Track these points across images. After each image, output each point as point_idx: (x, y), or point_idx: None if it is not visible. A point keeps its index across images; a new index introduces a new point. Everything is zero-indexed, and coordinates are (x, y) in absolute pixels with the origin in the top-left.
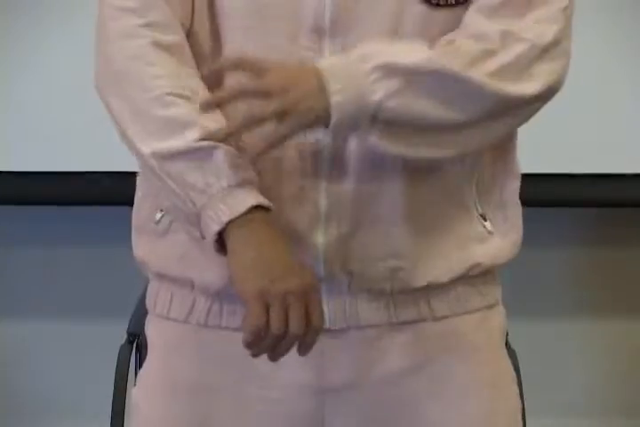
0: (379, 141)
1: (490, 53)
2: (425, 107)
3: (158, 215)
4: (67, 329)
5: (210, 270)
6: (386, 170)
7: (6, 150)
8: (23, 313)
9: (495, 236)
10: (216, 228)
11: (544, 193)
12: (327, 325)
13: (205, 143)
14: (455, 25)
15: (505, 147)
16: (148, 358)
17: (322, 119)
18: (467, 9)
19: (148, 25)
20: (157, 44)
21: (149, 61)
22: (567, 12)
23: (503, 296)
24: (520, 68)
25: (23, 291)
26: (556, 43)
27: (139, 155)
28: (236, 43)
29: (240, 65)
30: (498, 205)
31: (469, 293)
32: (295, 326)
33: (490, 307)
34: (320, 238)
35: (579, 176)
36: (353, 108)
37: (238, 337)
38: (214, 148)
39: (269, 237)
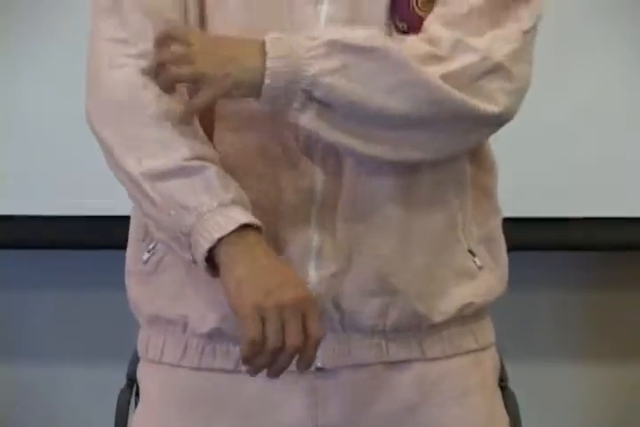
0: (313, 123)
1: (438, 58)
2: (363, 90)
3: (146, 256)
4: (67, 372)
5: (201, 309)
6: (379, 206)
7: (25, 194)
8: (23, 357)
9: (484, 271)
10: (207, 245)
11: (540, 236)
12: (319, 364)
13: (196, 162)
14: None
15: (485, 184)
16: (140, 405)
17: (255, 84)
18: None
19: (139, 55)
20: (147, 73)
21: (139, 88)
22: (527, 36)
23: (503, 339)
24: (467, 78)
25: (22, 335)
26: (510, 62)
27: (130, 179)
28: (234, 14)
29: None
30: (483, 241)
31: (462, 333)
32: (293, 338)
33: (483, 349)
34: (312, 274)
35: (579, 220)
36: (286, 77)
37: (230, 378)
38: (204, 167)
39: (262, 251)
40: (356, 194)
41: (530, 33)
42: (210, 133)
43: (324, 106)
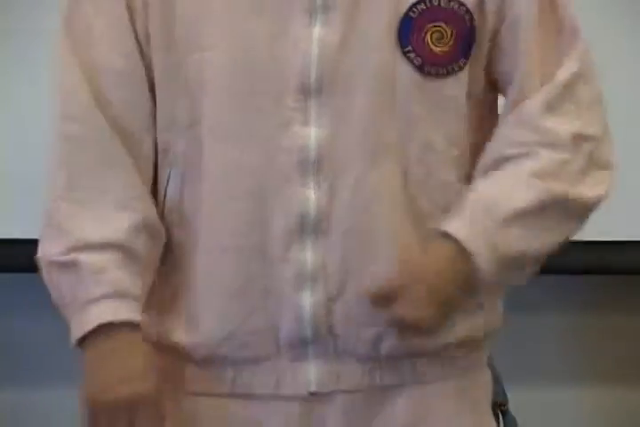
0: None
1: (567, 163)
2: (541, 239)
3: None
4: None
5: (193, 334)
6: (373, 230)
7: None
8: (24, 381)
9: (482, 305)
10: (73, 341)
11: (547, 260)
12: (314, 388)
13: (72, 256)
14: (445, 92)
15: None
16: None
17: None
18: (456, 81)
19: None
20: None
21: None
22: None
23: (505, 364)
24: (586, 168)
25: (26, 360)
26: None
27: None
28: (218, 105)
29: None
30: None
31: (456, 357)
32: None
33: (475, 371)
34: (306, 299)
35: (582, 243)
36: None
37: (227, 403)
38: (77, 262)
39: (119, 347)
40: (350, 219)
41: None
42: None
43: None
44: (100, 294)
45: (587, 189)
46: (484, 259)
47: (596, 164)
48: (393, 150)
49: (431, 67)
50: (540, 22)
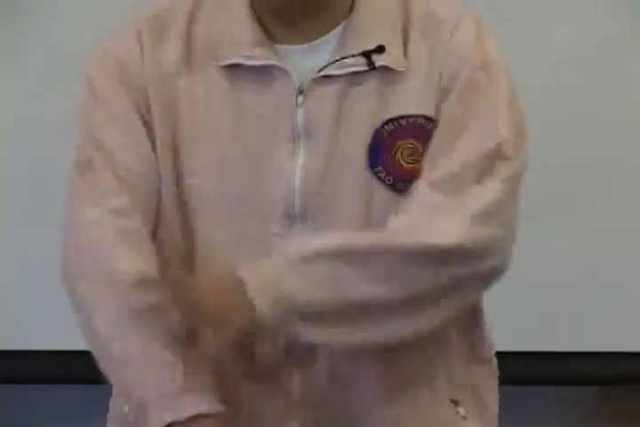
0: (313, 336)
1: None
2: (350, 294)
3: (126, 408)
4: None
5: None
6: (359, 355)
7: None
8: None
9: (470, 420)
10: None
11: (538, 371)
12: None
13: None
14: None
15: (470, 332)
16: None
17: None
18: None
19: (112, 212)
20: (121, 231)
21: (114, 248)
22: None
23: None
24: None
25: None
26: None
27: (96, 340)
28: (206, 230)
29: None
30: (469, 387)
31: None
32: None
33: None
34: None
35: (577, 354)
36: (278, 316)
37: None
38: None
39: None
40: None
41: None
42: None
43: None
44: (191, 383)
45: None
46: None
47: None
48: None
49: (403, 184)
50: (462, 118)
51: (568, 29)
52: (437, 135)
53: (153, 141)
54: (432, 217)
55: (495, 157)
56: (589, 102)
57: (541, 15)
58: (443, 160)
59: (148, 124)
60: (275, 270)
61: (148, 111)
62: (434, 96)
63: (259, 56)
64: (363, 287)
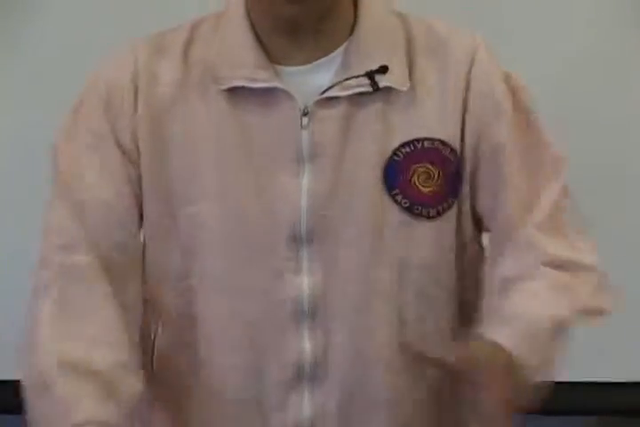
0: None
1: (574, 280)
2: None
3: None
4: None
5: None
6: (370, 376)
7: None
8: None
9: None
10: None
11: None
12: None
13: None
14: (435, 233)
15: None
16: None
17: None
18: (445, 221)
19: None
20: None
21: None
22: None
23: None
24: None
25: None
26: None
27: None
28: (212, 258)
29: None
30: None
31: None
32: None
33: None
34: None
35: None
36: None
37: None
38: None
39: None
40: (347, 366)
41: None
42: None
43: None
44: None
45: (602, 302)
46: (534, 371)
47: (598, 288)
48: (386, 296)
49: (421, 207)
50: (521, 155)
51: (569, 42)
52: (503, 179)
53: (136, 175)
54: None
55: (566, 194)
56: (590, 117)
57: (541, 27)
58: (533, 203)
59: (130, 157)
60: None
61: (135, 146)
62: (452, 122)
63: (262, 78)
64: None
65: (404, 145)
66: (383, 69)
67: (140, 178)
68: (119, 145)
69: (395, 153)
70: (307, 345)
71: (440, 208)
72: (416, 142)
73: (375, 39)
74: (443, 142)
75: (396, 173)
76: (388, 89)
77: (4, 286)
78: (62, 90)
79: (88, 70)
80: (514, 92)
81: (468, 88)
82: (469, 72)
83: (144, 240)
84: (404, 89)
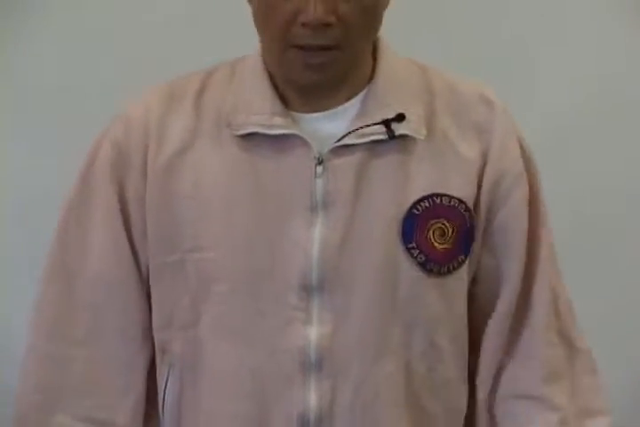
0: None
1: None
2: None
3: None
4: None
5: None
6: None
7: None
8: None
9: None
10: None
11: None
12: None
13: None
14: (447, 289)
15: None
16: None
17: None
18: (456, 278)
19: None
20: None
21: None
22: None
23: None
24: None
25: None
26: None
27: None
28: (220, 305)
29: None
30: None
31: None
32: None
33: None
34: None
35: None
36: None
37: None
38: None
39: None
40: (352, 420)
41: None
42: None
43: None
44: None
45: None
46: None
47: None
48: (396, 348)
49: (434, 264)
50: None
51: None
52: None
53: (139, 229)
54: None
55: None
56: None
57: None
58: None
59: (132, 214)
60: None
61: (142, 205)
62: (470, 182)
63: (278, 125)
64: None
65: (423, 199)
66: (400, 118)
67: (143, 229)
68: (124, 212)
69: (414, 206)
70: (312, 397)
71: (451, 266)
72: (435, 197)
73: (393, 88)
74: (460, 200)
75: (413, 227)
76: (405, 138)
77: None
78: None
79: (87, 69)
80: (527, 161)
81: (486, 156)
82: (489, 142)
83: (150, 287)
84: (421, 137)
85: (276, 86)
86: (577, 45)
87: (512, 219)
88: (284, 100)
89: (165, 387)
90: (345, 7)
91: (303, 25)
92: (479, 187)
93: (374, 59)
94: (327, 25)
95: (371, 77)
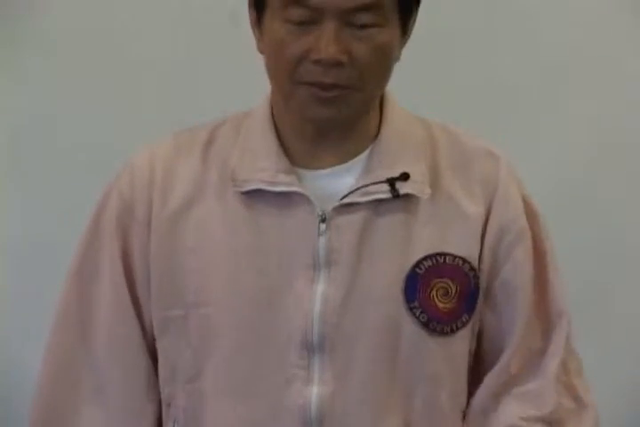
0: None
1: None
2: None
3: None
4: None
5: None
6: None
7: None
8: None
9: None
10: None
11: None
12: None
13: None
14: (449, 349)
15: None
16: None
17: None
18: (459, 338)
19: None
20: None
21: None
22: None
23: None
24: None
25: None
26: None
27: None
28: (222, 360)
29: None
30: None
31: None
32: None
33: None
34: None
35: None
36: None
37: None
38: None
39: None
40: None
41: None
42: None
43: None
44: None
45: None
46: None
47: None
48: (396, 407)
49: (437, 324)
50: (533, 290)
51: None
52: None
53: (143, 283)
54: None
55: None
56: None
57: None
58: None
59: (136, 269)
60: None
61: (146, 261)
62: (473, 241)
63: (281, 182)
64: None
65: (426, 258)
66: (404, 177)
67: (147, 284)
68: (128, 267)
69: (417, 265)
70: None
71: (454, 325)
72: (438, 257)
73: (398, 147)
74: (464, 260)
75: (416, 286)
76: (409, 197)
77: None
78: None
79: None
80: (532, 218)
81: (489, 212)
82: (492, 197)
83: (154, 340)
84: (425, 197)
85: (282, 141)
86: (578, 104)
87: (514, 276)
88: (289, 155)
89: None
90: (358, 47)
91: (315, 62)
92: (482, 242)
93: (380, 111)
94: (339, 64)
95: (377, 132)
